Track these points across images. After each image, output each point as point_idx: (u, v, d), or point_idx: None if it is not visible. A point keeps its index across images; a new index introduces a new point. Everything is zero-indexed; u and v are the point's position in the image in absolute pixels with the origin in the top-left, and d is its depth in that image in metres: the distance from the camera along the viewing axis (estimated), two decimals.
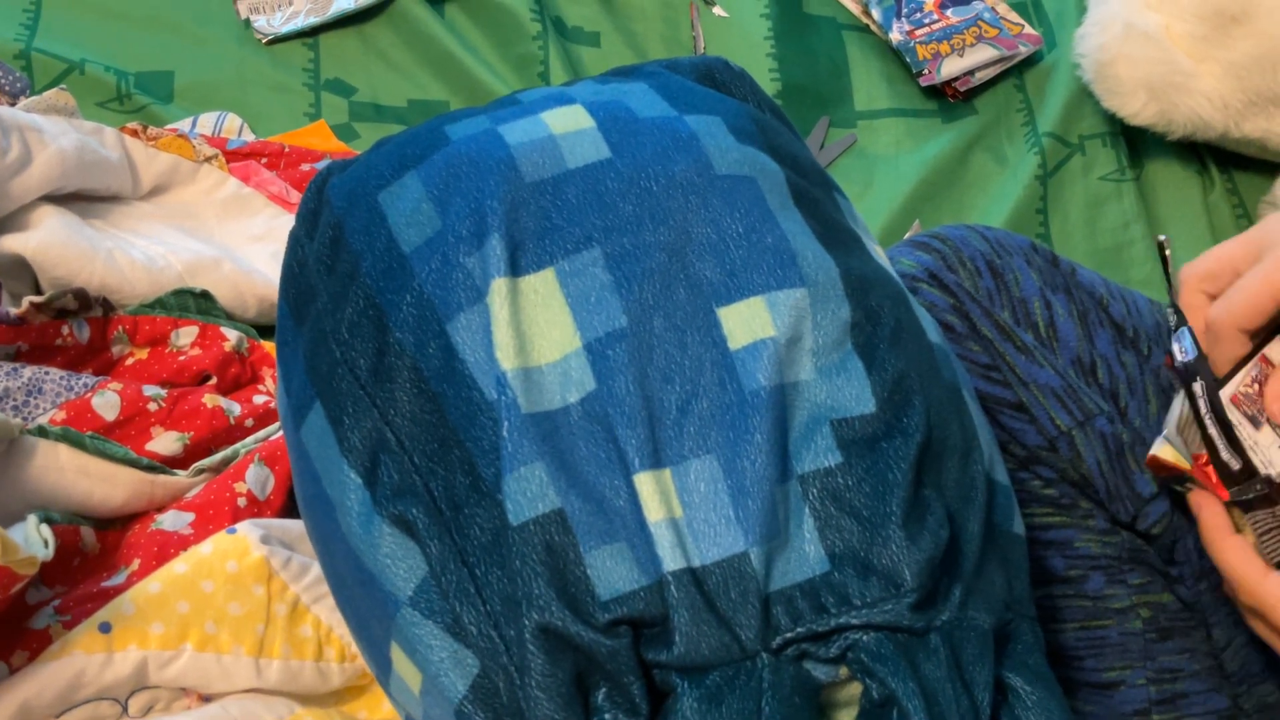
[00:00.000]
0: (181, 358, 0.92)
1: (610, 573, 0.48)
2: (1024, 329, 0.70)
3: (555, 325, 0.51)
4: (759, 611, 0.48)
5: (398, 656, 0.52)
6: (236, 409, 0.89)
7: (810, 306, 0.52)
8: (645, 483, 0.49)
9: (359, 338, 0.53)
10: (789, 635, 0.48)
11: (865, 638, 0.48)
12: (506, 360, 0.50)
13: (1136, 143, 1.32)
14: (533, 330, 0.51)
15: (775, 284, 0.52)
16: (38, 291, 0.93)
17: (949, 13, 1.35)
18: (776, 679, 0.47)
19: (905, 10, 1.35)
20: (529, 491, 0.48)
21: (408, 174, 0.55)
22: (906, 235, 1.20)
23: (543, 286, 0.52)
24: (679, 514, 0.49)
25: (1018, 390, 0.67)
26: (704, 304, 0.52)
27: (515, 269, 0.52)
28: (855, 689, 0.50)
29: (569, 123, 0.56)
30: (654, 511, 0.49)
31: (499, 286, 0.51)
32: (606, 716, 0.48)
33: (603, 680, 0.48)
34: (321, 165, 1.09)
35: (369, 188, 0.56)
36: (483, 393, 0.50)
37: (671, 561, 0.48)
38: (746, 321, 0.51)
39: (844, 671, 0.49)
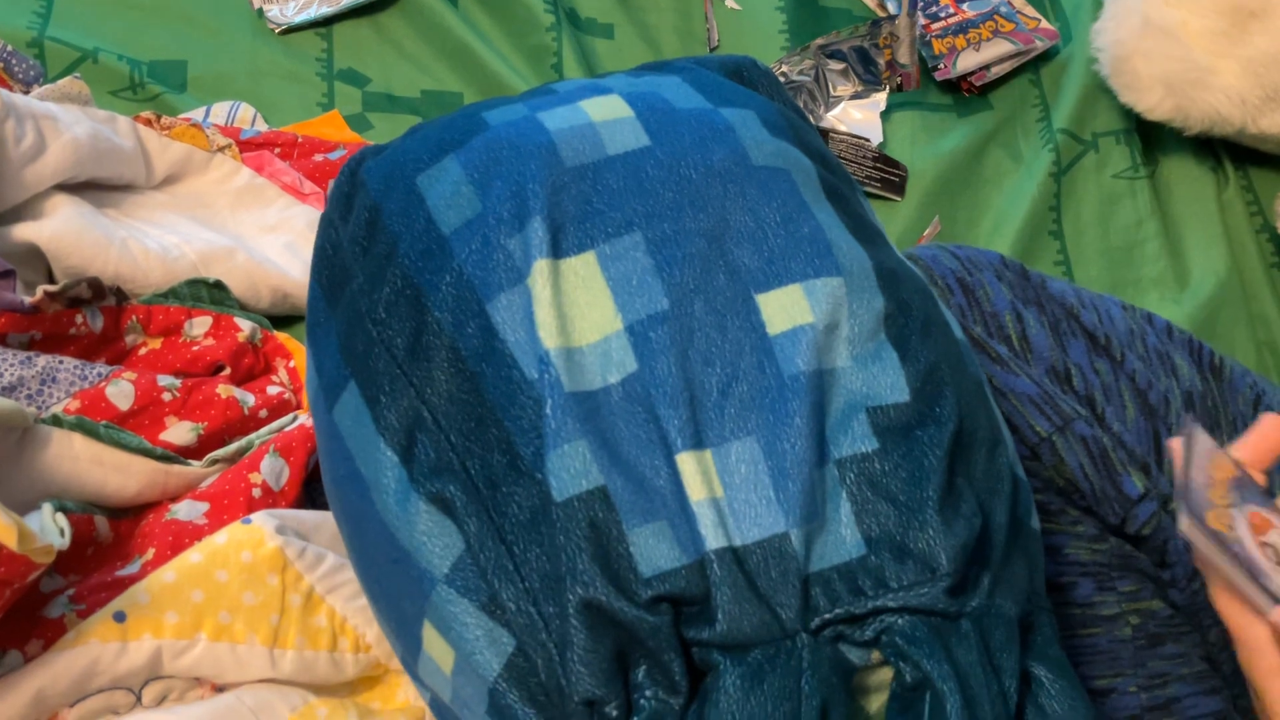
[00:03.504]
0: (195, 348, 0.92)
1: (652, 550, 0.48)
2: (997, 341, 0.71)
3: (596, 307, 0.51)
4: (799, 592, 0.48)
5: (429, 635, 0.52)
6: (250, 399, 0.89)
7: (847, 295, 0.53)
8: (687, 463, 0.49)
9: (396, 317, 0.53)
10: (827, 616, 0.49)
11: (900, 621, 0.49)
12: (549, 339, 0.50)
13: (1150, 140, 1.31)
14: (574, 311, 0.51)
15: (813, 272, 0.53)
16: (51, 280, 0.93)
17: (965, 6, 1.34)
18: (815, 658, 0.48)
19: (921, 4, 1.34)
20: (573, 468, 0.49)
21: (446, 157, 0.56)
22: (926, 232, 1.19)
23: (584, 269, 0.52)
24: (720, 494, 0.49)
25: (996, 401, 0.67)
26: (743, 290, 0.52)
27: (557, 251, 0.52)
28: (885, 674, 0.50)
29: (608, 111, 0.56)
30: (696, 491, 0.49)
31: (541, 267, 0.51)
32: (647, 693, 0.48)
33: (643, 657, 0.48)
34: (335, 156, 1.09)
35: (406, 171, 0.56)
36: (523, 371, 0.50)
37: (713, 540, 0.48)
38: (785, 308, 0.52)
39: (876, 656, 0.50)
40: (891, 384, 0.52)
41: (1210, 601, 0.68)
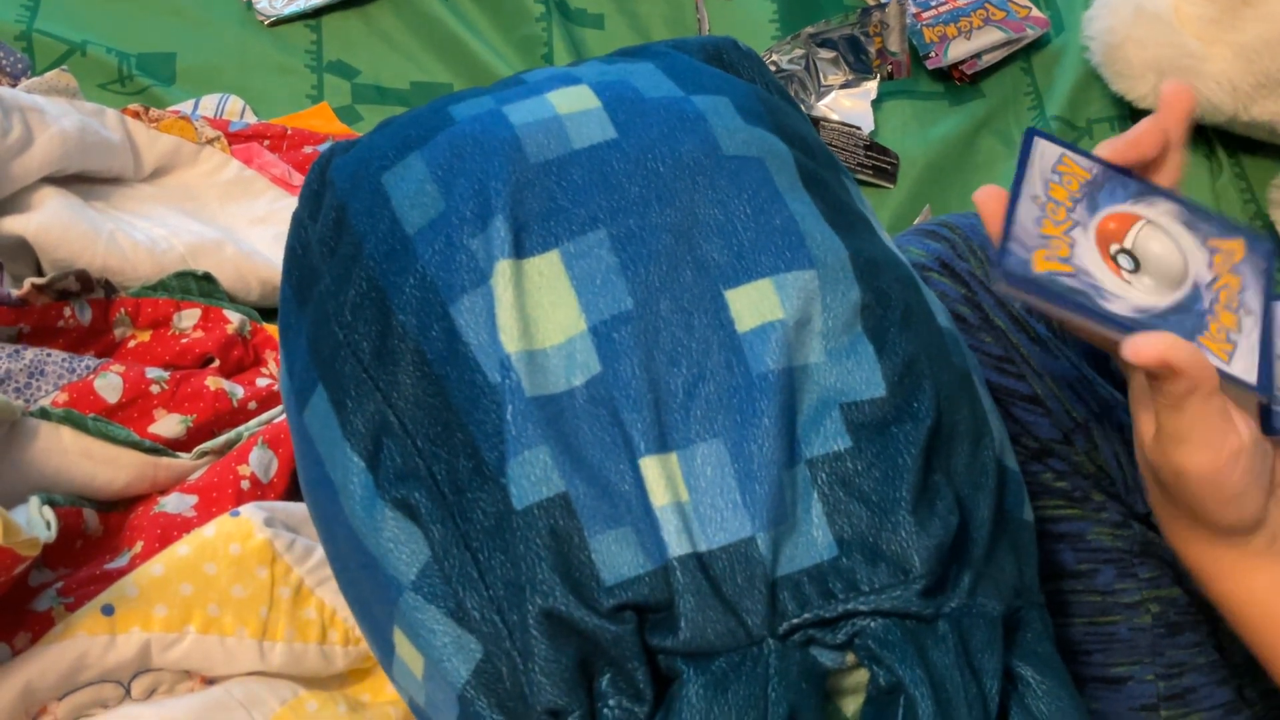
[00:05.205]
0: (184, 340, 0.92)
1: (615, 557, 0.47)
2: (1036, 318, 0.68)
3: (560, 307, 0.50)
4: (765, 597, 0.47)
5: (400, 641, 0.51)
6: (239, 391, 0.89)
7: (820, 288, 0.52)
8: (651, 467, 0.48)
9: (362, 320, 0.52)
10: (795, 621, 0.48)
11: (873, 624, 0.48)
12: (510, 343, 0.49)
13: None
14: (537, 312, 0.50)
15: (784, 266, 0.51)
16: (39, 273, 0.92)
17: None
18: (783, 665, 0.47)
19: None
20: (533, 475, 0.48)
21: (411, 154, 0.54)
22: (917, 220, 1.19)
23: (547, 268, 0.51)
24: (685, 499, 0.48)
25: (1032, 382, 0.66)
26: (711, 286, 0.51)
27: (520, 251, 0.51)
28: (862, 676, 0.49)
29: (574, 103, 0.55)
30: (660, 496, 0.48)
31: (503, 268, 0.50)
32: (610, 702, 0.47)
33: (607, 665, 0.48)
34: (324, 148, 1.09)
35: (372, 169, 0.55)
36: (486, 375, 0.49)
37: (677, 546, 0.47)
38: (754, 304, 0.51)
39: (851, 658, 0.49)
40: (866, 378, 0.51)
41: None
